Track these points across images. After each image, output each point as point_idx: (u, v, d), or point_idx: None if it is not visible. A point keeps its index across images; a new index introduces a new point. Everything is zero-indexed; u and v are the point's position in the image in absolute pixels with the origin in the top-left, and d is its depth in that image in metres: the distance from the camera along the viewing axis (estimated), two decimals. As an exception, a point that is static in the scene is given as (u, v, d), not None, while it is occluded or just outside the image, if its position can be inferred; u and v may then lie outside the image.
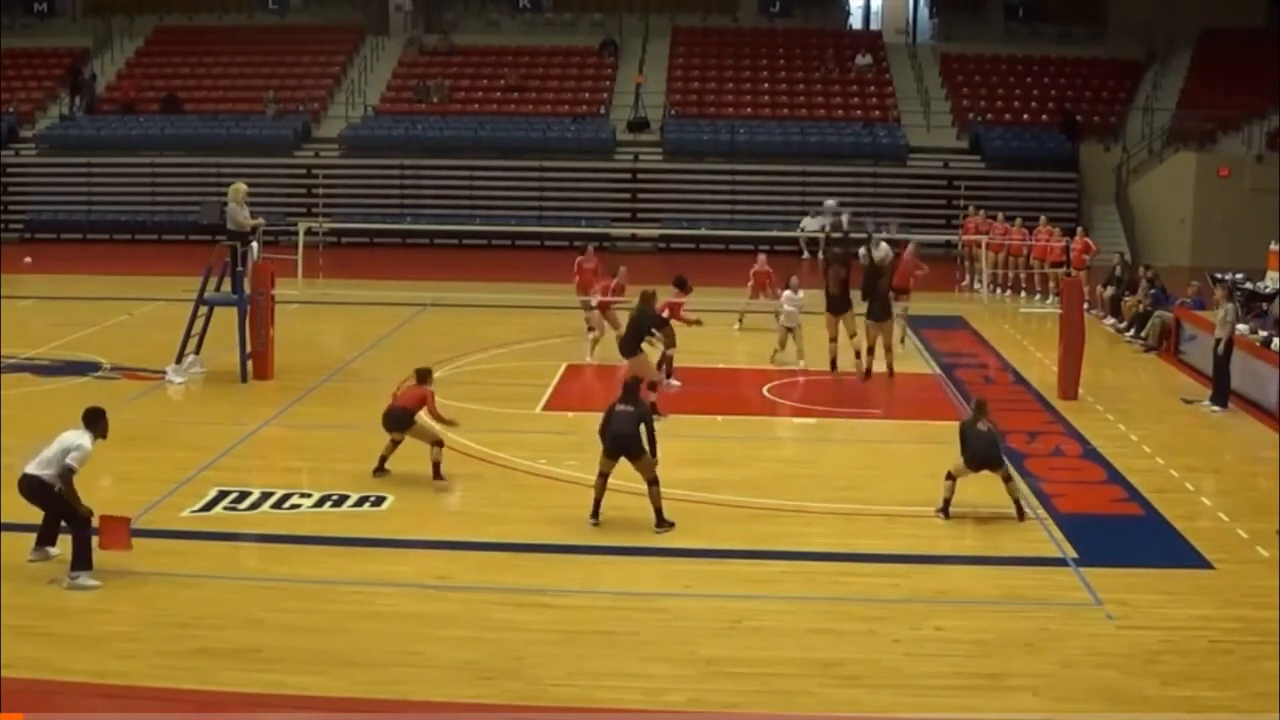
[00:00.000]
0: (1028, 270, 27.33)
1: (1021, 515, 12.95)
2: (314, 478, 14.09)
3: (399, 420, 13.97)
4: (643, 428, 12.28)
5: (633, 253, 31.23)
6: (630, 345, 16.91)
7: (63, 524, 11.12)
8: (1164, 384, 20.05)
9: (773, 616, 10.60)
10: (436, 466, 13.84)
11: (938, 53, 40.53)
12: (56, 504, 11.02)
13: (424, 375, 14.41)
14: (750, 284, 23.29)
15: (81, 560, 10.87)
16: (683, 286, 19.56)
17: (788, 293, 20.61)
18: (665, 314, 18.33)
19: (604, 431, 12.48)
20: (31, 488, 11.01)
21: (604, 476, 12.48)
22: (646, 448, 12.30)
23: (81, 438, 11.05)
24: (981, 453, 12.93)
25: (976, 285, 27.29)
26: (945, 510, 13.02)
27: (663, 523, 12.44)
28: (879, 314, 19.18)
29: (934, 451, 15.60)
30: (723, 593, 11.08)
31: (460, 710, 8.95)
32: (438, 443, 13.89)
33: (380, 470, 13.97)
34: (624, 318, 18.40)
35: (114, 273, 29.98)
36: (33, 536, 11.30)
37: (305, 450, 15.47)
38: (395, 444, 13.99)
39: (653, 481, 12.41)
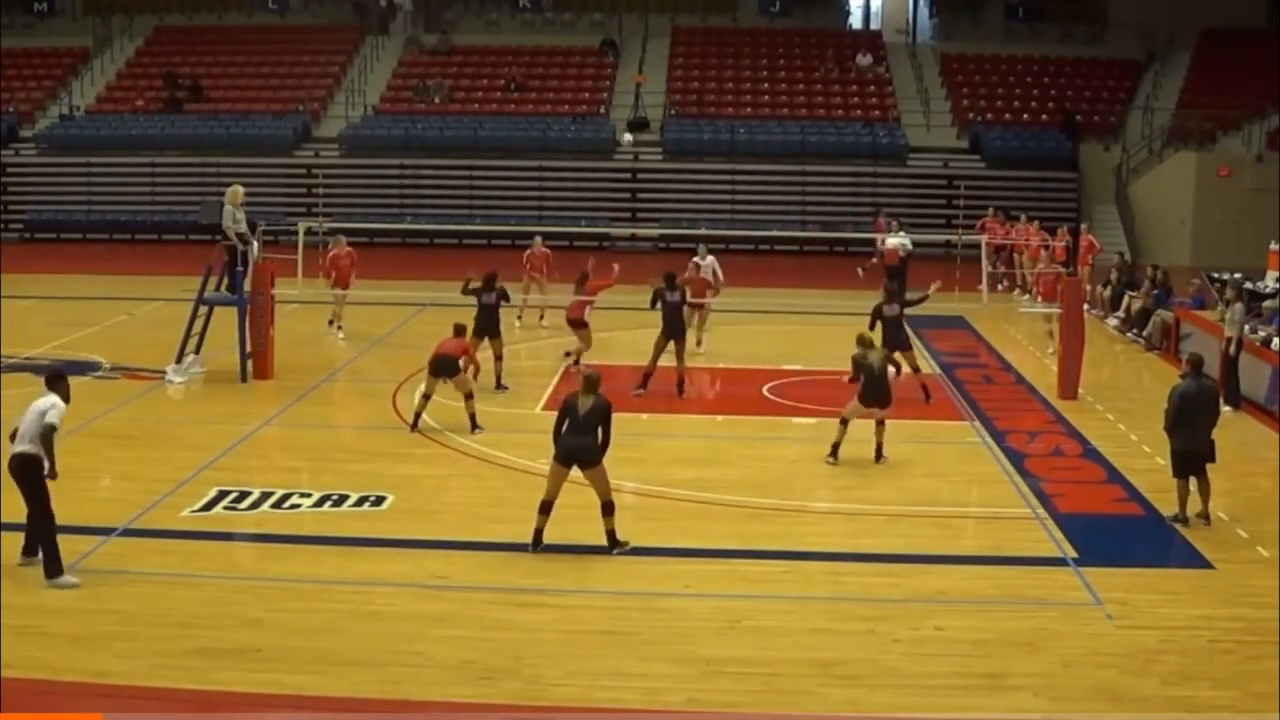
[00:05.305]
0: (1034, 272, 27.34)
1: None
2: (314, 478, 14.09)
3: (445, 367, 15.65)
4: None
5: (632, 252, 31.23)
6: None
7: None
8: (1164, 383, 19.78)
9: (772, 616, 10.59)
10: (473, 418, 15.71)
11: (938, 52, 40.49)
12: (38, 490, 10.68)
13: (461, 330, 16.31)
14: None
15: (54, 567, 10.66)
16: (583, 282, 19.47)
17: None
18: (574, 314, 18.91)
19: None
20: (18, 467, 10.70)
21: None
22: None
23: (52, 399, 10.84)
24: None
25: (1001, 286, 27.09)
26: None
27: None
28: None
29: (934, 451, 15.64)
30: (722, 592, 11.07)
31: (460, 710, 8.94)
32: (470, 396, 15.83)
33: (415, 427, 15.73)
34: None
35: (114, 273, 29.98)
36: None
37: (305, 450, 15.47)
38: (428, 399, 15.77)
39: None
